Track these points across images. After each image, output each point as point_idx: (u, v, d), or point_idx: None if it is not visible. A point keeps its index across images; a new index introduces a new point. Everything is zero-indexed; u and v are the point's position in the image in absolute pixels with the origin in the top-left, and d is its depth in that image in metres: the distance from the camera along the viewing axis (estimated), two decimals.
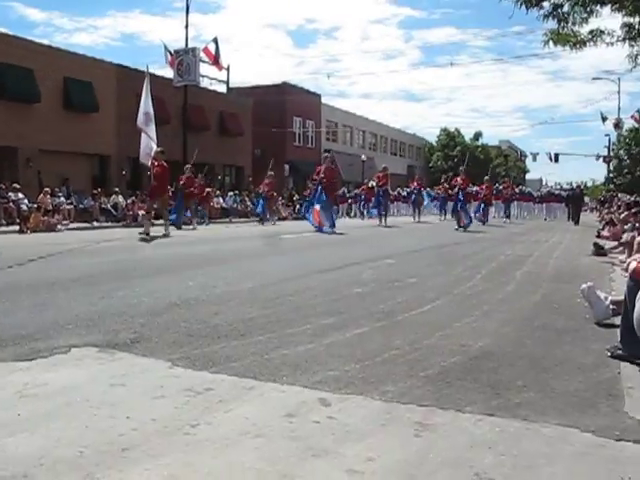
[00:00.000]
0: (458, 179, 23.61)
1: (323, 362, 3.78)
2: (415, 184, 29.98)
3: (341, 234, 17.10)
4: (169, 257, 10.39)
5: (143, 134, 16.05)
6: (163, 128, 32.29)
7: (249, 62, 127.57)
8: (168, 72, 32.73)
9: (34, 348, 3.97)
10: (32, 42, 26.91)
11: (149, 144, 15.95)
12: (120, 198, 25.17)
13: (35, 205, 21.12)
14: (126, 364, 3.69)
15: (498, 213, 33.93)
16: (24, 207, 20.99)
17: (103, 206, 24.56)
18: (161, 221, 17.54)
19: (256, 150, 40.25)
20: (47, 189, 22.35)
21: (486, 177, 28.10)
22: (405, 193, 38.46)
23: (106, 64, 30.17)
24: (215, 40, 31.86)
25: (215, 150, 35.33)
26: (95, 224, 22.69)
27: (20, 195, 21.58)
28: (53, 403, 2.98)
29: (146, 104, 16.31)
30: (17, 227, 19.16)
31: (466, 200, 23.34)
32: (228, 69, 40.53)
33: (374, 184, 24.95)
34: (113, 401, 3.02)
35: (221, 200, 30.26)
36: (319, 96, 51.94)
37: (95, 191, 25.14)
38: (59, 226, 20.23)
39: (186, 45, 31.32)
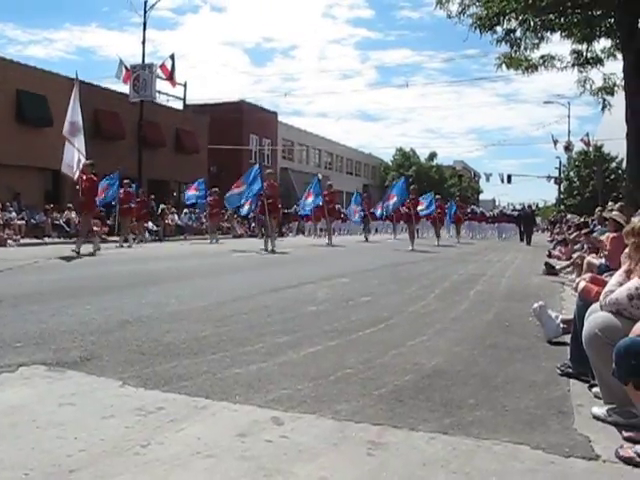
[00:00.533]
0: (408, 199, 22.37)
1: (276, 381, 3.76)
2: (364, 204, 29.99)
3: (284, 253, 16.83)
4: (121, 274, 10.24)
5: (67, 144, 14.83)
6: (118, 143, 32.11)
7: (206, 79, 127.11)
8: (123, 88, 32.50)
9: None
10: None
11: (74, 156, 14.77)
12: (73, 214, 24.78)
13: None
14: (76, 383, 3.62)
15: (449, 233, 33.81)
16: None
17: (55, 222, 24.15)
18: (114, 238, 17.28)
19: (212, 167, 40.06)
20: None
21: (438, 196, 27.99)
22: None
23: (61, 78, 29.74)
24: (172, 56, 31.77)
25: (171, 167, 35.15)
26: (47, 240, 22.27)
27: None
28: None
29: (74, 113, 15.15)
30: None
31: (417, 219, 22.97)
32: (185, 86, 40.36)
33: (320, 203, 23.94)
34: (61, 421, 2.95)
35: (176, 217, 30.00)
36: (276, 114, 52.07)
37: (47, 206, 24.71)
38: (9, 241, 19.83)
39: (143, 61, 31.16)
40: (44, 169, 27.30)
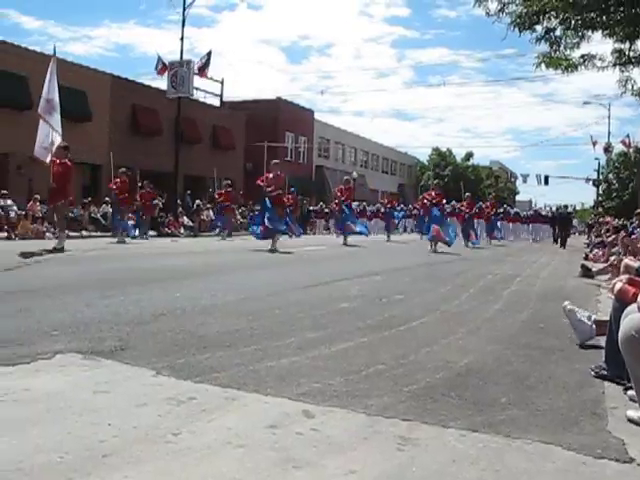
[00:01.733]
0: (432, 193, 20.82)
1: (308, 375, 3.77)
2: (386, 202, 29.64)
3: (288, 253, 15.57)
4: (154, 268, 10.35)
5: (42, 123, 13.49)
6: (155, 139, 32.43)
7: (242, 77, 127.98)
8: (161, 84, 32.82)
9: (17, 353, 3.93)
10: (27, 49, 26.95)
11: (50, 135, 13.46)
12: (110, 208, 25.12)
13: (24, 212, 21.05)
14: (110, 371, 3.67)
15: (481, 233, 31.13)
16: (13, 214, 20.92)
17: (92, 215, 24.49)
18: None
19: (248, 164, 40.31)
20: (37, 196, 22.28)
21: (467, 194, 26.73)
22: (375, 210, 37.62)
23: (101, 74, 30.25)
24: (209, 53, 32.02)
25: (206, 163, 35.37)
26: (84, 233, 22.60)
27: (9, 202, 21.49)
28: (34, 409, 2.95)
29: (50, 90, 13.81)
30: (5, 233, 19.07)
31: (444, 217, 20.65)
32: (222, 83, 40.79)
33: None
34: (95, 408, 2.99)
35: (211, 213, 30.23)
36: (312, 112, 52.17)
37: (85, 200, 25.08)
38: (47, 234, 20.15)
39: (181, 57, 31.45)
40: (82, 164, 27.64)
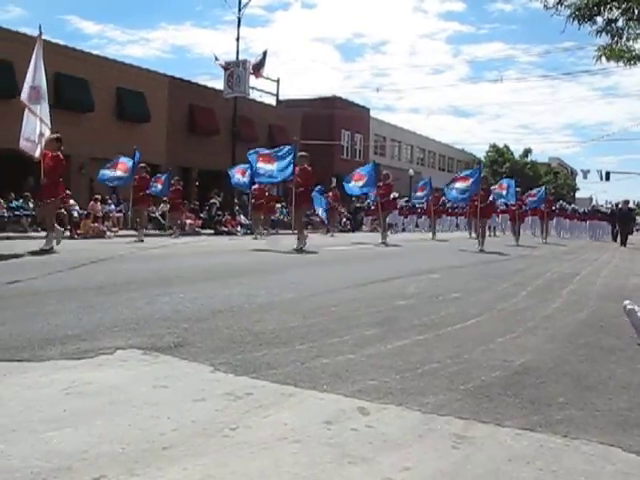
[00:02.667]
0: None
1: (363, 372, 3.79)
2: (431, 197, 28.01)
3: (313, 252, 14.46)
4: (209, 266, 10.50)
5: (27, 113, 12.09)
6: (212, 138, 32.86)
7: (298, 75, 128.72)
8: (217, 84, 33.20)
9: (80, 348, 4.06)
10: (87, 53, 27.67)
11: (37, 127, 12.11)
12: (167, 207, 25.54)
13: (86, 212, 21.59)
14: (169, 367, 3.75)
15: (535, 230, 30.34)
16: (75, 214, 21.47)
17: (151, 214, 24.94)
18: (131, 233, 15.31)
19: None
20: (98, 196, 22.85)
21: (517, 189, 25.12)
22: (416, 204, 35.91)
23: (158, 75, 30.81)
24: (264, 52, 32.24)
25: None
26: (144, 231, 23.03)
27: (71, 202, 22.06)
28: (97, 401, 3.04)
29: (37, 76, 12.34)
30: (68, 233, 19.60)
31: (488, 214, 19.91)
32: (278, 82, 41.00)
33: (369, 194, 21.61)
34: (155, 402, 3.07)
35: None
36: (368, 110, 52.12)
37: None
38: (108, 233, 20.65)
39: (237, 57, 31.76)
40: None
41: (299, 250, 14.50)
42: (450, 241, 24.47)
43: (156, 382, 3.40)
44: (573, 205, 40.07)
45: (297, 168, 15.38)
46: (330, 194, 25.38)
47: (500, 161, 68.61)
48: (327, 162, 41.77)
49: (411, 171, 49.09)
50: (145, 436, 2.61)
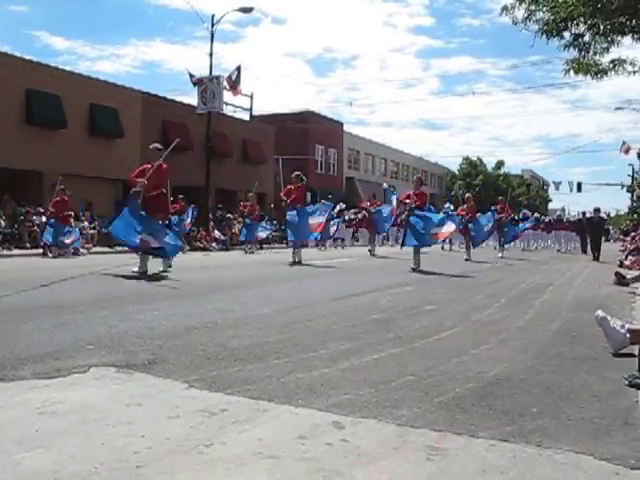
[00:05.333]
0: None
1: (338, 386, 3.80)
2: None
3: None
4: (186, 282, 10.45)
5: None
6: (186, 154, 32.74)
7: (270, 90, 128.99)
8: (191, 100, 33.16)
9: (53, 367, 4.03)
10: (59, 69, 27.47)
11: None
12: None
13: None
14: (143, 384, 3.73)
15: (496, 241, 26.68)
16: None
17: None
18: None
19: (278, 177, 40.49)
20: (71, 213, 22.62)
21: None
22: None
23: (131, 91, 30.69)
24: (238, 68, 32.25)
25: (237, 177, 35.68)
26: (117, 248, 22.84)
27: (44, 219, 21.82)
28: (70, 420, 3.02)
29: None
30: (41, 250, 19.38)
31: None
32: (251, 97, 41.18)
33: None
34: (129, 420, 3.05)
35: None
36: (341, 124, 52.32)
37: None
38: (82, 250, 20.43)
39: (210, 73, 31.71)
40: (115, 180, 28.07)
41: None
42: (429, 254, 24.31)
43: (130, 400, 3.38)
44: (536, 214, 35.61)
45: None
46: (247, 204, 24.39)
47: (473, 173, 69.12)
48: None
49: (385, 184, 49.26)
50: (118, 455, 2.59)
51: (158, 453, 2.64)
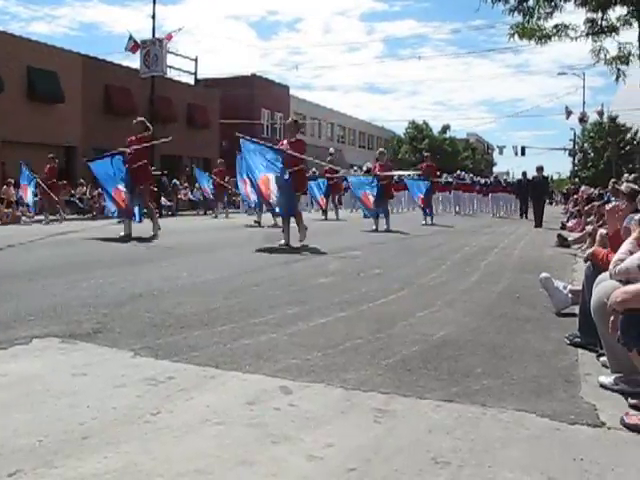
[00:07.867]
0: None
1: (285, 351, 3.80)
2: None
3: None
4: (134, 249, 10.30)
5: None
6: (130, 119, 32.07)
7: (214, 54, 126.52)
8: (133, 63, 32.37)
9: None
10: None
11: None
12: (86, 190, 24.88)
13: None
14: (88, 354, 3.67)
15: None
16: None
17: (71, 199, 24.24)
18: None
19: (224, 142, 40.01)
20: (11, 180, 22.02)
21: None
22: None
23: (71, 54, 29.76)
24: (179, 29, 31.53)
25: (183, 142, 35.05)
26: (50, 217, 22.34)
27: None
28: (13, 393, 2.96)
29: None
30: None
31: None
32: (196, 60, 40.46)
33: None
34: (74, 390, 3.01)
35: (189, 192, 30.05)
36: (287, 88, 51.84)
37: (60, 183, 24.77)
38: (23, 218, 19.95)
39: (153, 35, 30.92)
40: (56, 146, 27.32)
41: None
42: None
43: (75, 370, 3.33)
44: (472, 175, 32.83)
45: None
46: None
47: (419, 137, 69.37)
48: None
49: (332, 149, 49.13)
50: (64, 426, 2.55)
51: (104, 423, 2.61)
